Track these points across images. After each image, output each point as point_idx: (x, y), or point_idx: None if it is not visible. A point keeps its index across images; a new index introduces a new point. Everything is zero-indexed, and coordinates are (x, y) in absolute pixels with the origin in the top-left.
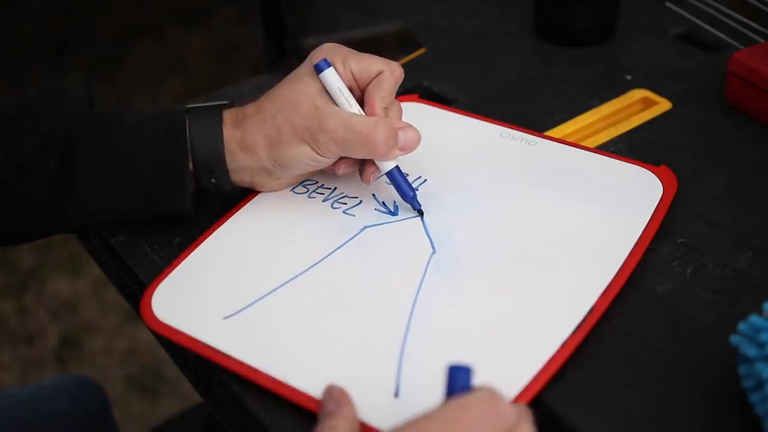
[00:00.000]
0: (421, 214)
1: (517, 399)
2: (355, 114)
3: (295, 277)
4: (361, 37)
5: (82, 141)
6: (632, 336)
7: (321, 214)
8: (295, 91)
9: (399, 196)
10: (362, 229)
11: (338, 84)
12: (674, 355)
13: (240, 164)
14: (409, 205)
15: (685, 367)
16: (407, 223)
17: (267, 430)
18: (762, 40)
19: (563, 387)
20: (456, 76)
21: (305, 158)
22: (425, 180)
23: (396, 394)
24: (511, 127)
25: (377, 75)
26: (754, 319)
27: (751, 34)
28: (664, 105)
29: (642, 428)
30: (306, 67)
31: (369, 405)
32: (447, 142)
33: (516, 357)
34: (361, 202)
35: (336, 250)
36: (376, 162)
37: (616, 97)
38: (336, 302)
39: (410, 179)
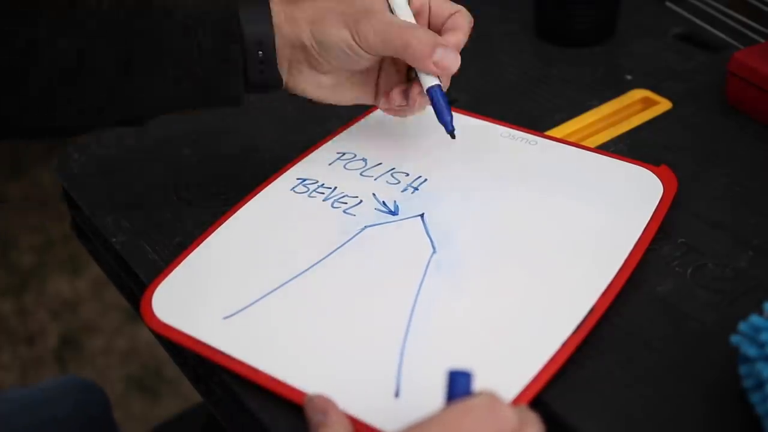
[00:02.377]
0: (452, 137)
1: (517, 399)
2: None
3: (296, 276)
4: None
5: (142, 31)
6: (632, 336)
7: (321, 213)
8: None
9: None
10: (362, 229)
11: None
12: (674, 355)
13: (283, 38)
14: (409, 206)
15: (685, 367)
16: (407, 223)
17: (267, 430)
18: (762, 40)
19: (563, 387)
20: (456, 76)
21: (342, 43)
22: (425, 180)
23: (396, 394)
24: (511, 127)
25: (452, 14)
26: (755, 318)
27: (751, 34)
28: (664, 105)
29: (642, 428)
30: None
31: (369, 405)
32: (447, 142)
33: (516, 357)
34: (361, 201)
35: (336, 249)
36: (420, 77)
37: (616, 97)
38: (336, 302)
39: (410, 179)
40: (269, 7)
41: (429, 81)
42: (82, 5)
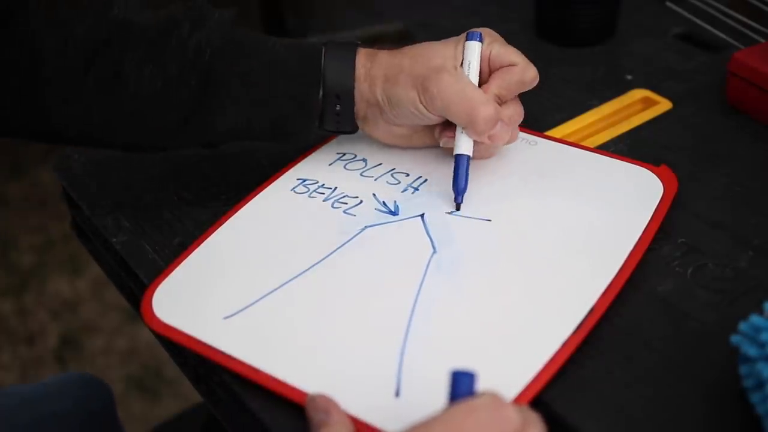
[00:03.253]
0: (457, 208)
1: (517, 399)
2: (472, 83)
3: (296, 276)
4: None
5: (224, 66)
6: (632, 336)
7: (321, 213)
8: (434, 47)
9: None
10: (363, 229)
11: (475, 59)
12: (675, 355)
13: (360, 94)
14: (409, 206)
15: (685, 367)
16: (408, 223)
17: (267, 430)
18: (762, 40)
19: (564, 387)
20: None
21: (410, 104)
22: (425, 180)
23: (397, 394)
24: None
25: (509, 66)
26: (755, 318)
27: (751, 34)
28: (664, 105)
29: (642, 428)
30: (459, 37)
31: (369, 404)
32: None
33: (516, 357)
34: (361, 201)
35: (336, 249)
36: (456, 140)
37: (616, 96)
38: (336, 302)
39: (411, 179)
40: (354, 61)
41: (463, 147)
42: (170, 38)
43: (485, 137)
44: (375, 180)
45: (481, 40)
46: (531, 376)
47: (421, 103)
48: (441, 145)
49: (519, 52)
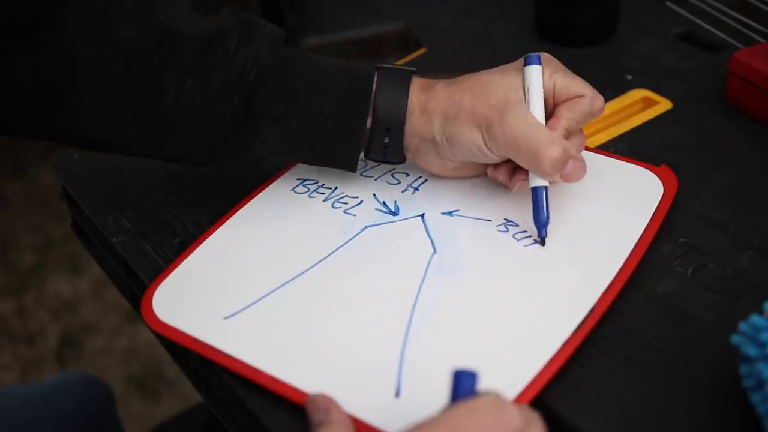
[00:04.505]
0: (542, 243)
1: (518, 399)
2: (538, 122)
3: (296, 277)
4: (361, 37)
5: (269, 85)
6: (633, 336)
7: (321, 213)
8: (494, 79)
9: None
10: (363, 229)
11: (537, 84)
12: (675, 355)
13: (414, 128)
14: (409, 206)
15: (685, 367)
16: (408, 223)
17: (267, 430)
18: (763, 40)
19: (564, 387)
20: (456, 76)
21: (472, 144)
22: (425, 180)
23: (397, 394)
24: None
25: (577, 97)
26: (755, 318)
27: (751, 34)
28: (664, 105)
29: (642, 428)
30: (516, 63)
31: (370, 404)
32: None
33: (517, 356)
34: (361, 201)
35: (336, 249)
36: (530, 174)
37: (616, 96)
38: (337, 302)
39: (410, 179)
40: (408, 93)
41: (540, 182)
42: (216, 51)
43: (558, 178)
44: (375, 180)
45: (540, 63)
46: (531, 375)
47: (485, 144)
48: (513, 191)
49: (584, 81)
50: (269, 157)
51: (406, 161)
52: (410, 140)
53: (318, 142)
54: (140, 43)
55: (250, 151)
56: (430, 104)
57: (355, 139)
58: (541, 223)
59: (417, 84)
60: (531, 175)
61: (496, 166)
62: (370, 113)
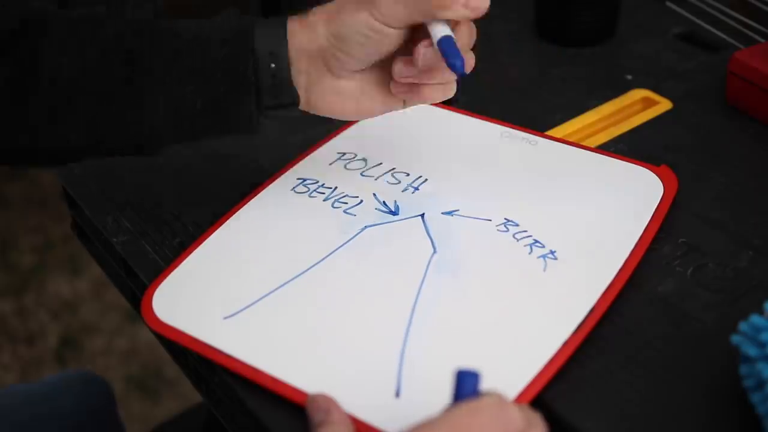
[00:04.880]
0: (463, 76)
1: (518, 399)
2: None
3: (296, 276)
4: None
5: (144, 46)
6: (633, 336)
7: (321, 213)
8: None
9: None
10: (363, 229)
11: None
12: (675, 355)
13: (299, 44)
14: (409, 206)
15: (685, 367)
16: (408, 223)
17: (268, 430)
18: (762, 40)
19: (564, 387)
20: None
21: (362, 26)
22: (426, 179)
23: (397, 394)
24: (511, 127)
25: None
26: (755, 318)
27: (751, 34)
28: (664, 105)
29: (642, 428)
30: None
31: (370, 405)
32: (448, 142)
33: (517, 357)
34: (361, 201)
35: (336, 249)
36: (431, 29)
37: (616, 96)
38: (336, 302)
39: (411, 179)
40: (286, 23)
41: (441, 31)
42: (88, 25)
43: (460, 7)
44: (375, 180)
45: None
46: (531, 375)
47: (375, 18)
48: (420, 64)
49: None
50: (164, 136)
51: (300, 108)
52: (298, 63)
53: (206, 95)
54: (11, 24)
55: (145, 126)
56: (311, 17)
57: (242, 77)
58: (457, 66)
59: (296, 18)
60: (433, 30)
61: (396, 62)
62: (252, 49)
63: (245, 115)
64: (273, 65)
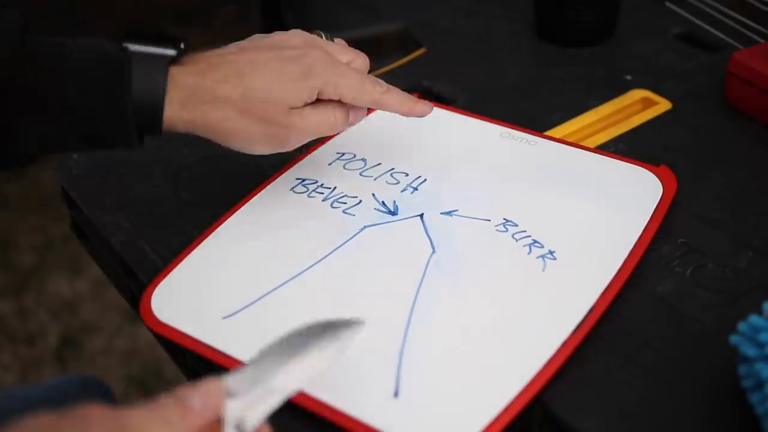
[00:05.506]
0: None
1: (517, 399)
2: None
3: (295, 276)
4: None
5: (17, 76)
6: (632, 336)
7: (320, 213)
8: None
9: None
10: (362, 229)
11: None
12: (674, 355)
13: (183, 85)
14: (408, 206)
15: (685, 367)
16: (407, 223)
17: None
18: (762, 40)
19: (563, 387)
20: (456, 76)
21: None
22: (425, 179)
23: (396, 394)
24: (511, 127)
25: None
26: (754, 319)
27: (751, 34)
28: (664, 105)
29: (642, 428)
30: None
31: (369, 405)
32: (447, 142)
33: (516, 357)
34: (360, 201)
35: (335, 249)
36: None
37: (616, 97)
38: (335, 302)
39: (410, 179)
40: (167, 66)
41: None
42: None
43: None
44: (374, 180)
45: None
46: (530, 375)
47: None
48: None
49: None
50: (39, 156)
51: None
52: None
53: (83, 132)
54: None
55: (18, 152)
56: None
57: (124, 116)
58: None
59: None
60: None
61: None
62: (129, 88)
63: (123, 144)
64: (149, 102)
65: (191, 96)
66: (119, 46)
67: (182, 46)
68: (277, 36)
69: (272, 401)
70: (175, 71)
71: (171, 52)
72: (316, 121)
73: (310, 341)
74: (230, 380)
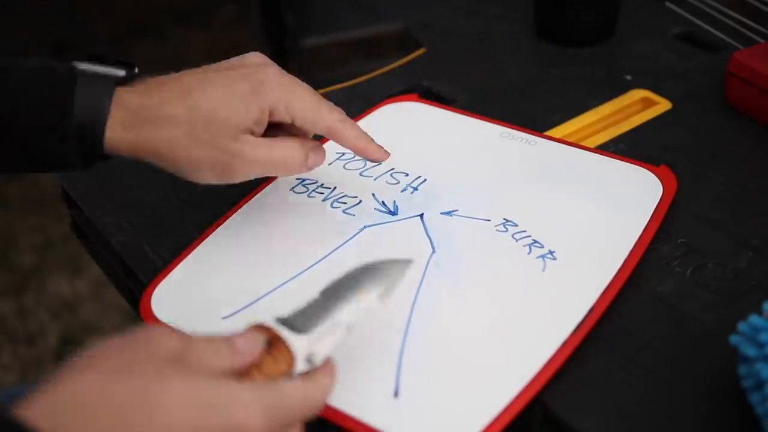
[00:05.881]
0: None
1: (517, 399)
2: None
3: (295, 276)
4: (361, 37)
5: None
6: (632, 336)
7: (320, 213)
8: None
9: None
10: (362, 229)
11: None
12: (674, 355)
13: (128, 106)
14: (408, 206)
15: (685, 367)
16: (407, 223)
17: None
18: (762, 40)
19: (563, 387)
20: (456, 76)
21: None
22: (425, 179)
23: (396, 394)
24: (511, 127)
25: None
26: (754, 319)
27: (751, 34)
28: (664, 105)
29: (641, 428)
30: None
31: (369, 404)
32: (447, 142)
33: (516, 357)
34: (360, 201)
35: (335, 249)
36: None
37: (616, 97)
38: None
39: (410, 179)
40: (112, 89)
41: None
42: None
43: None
44: (374, 180)
45: None
46: (531, 375)
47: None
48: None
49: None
50: None
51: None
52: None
53: (27, 155)
54: None
55: None
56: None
57: (63, 137)
58: None
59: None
60: None
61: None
62: (72, 117)
63: (65, 166)
64: (91, 122)
65: (134, 116)
66: (68, 65)
67: (135, 70)
68: (236, 58)
69: (338, 334)
70: (121, 91)
71: (119, 72)
72: (268, 155)
73: (363, 280)
74: (293, 319)
